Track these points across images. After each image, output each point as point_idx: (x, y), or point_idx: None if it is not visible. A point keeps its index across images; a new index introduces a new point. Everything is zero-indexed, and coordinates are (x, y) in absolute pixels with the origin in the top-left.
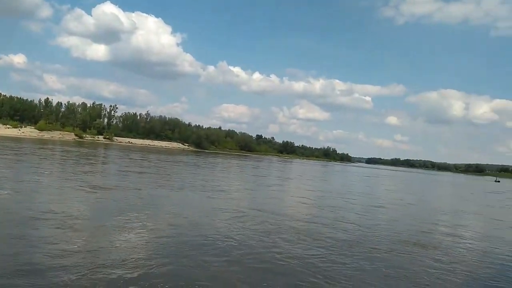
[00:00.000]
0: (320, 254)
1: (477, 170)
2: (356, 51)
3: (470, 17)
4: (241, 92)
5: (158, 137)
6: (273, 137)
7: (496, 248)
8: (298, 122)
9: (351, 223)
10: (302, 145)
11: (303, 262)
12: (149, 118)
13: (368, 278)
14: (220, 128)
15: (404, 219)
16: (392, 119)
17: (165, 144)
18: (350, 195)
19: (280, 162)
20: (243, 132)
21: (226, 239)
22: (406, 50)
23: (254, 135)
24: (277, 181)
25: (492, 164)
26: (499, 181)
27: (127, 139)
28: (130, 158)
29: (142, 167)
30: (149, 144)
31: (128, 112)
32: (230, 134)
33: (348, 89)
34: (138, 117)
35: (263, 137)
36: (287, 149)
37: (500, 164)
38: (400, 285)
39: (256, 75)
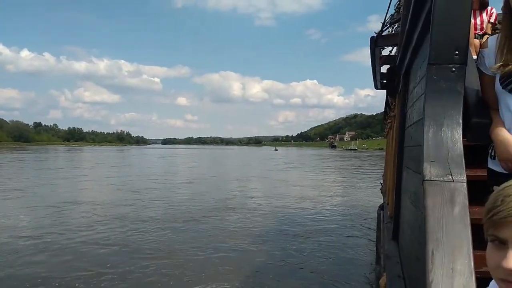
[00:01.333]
0: (149, 232)
1: (257, 142)
2: (139, 31)
3: (238, 5)
4: (7, 73)
5: None
6: (55, 124)
7: (281, 201)
8: (84, 106)
9: (167, 200)
10: (92, 130)
11: (132, 242)
12: None
13: (196, 242)
14: None
15: (211, 190)
16: (182, 100)
17: None
18: (158, 175)
19: (69, 152)
20: (15, 120)
21: (43, 237)
22: (187, 32)
23: (31, 123)
24: (76, 171)
25: (267, 136)
26: (277, 150)
27: None
28: None
29: None
30: None
31: None
32: None
33: (136, 70)
34: None
35: (43, 124)
36: (75, 136)
37: (273, 135)
38: (226, 241)
39: (25, 53)
